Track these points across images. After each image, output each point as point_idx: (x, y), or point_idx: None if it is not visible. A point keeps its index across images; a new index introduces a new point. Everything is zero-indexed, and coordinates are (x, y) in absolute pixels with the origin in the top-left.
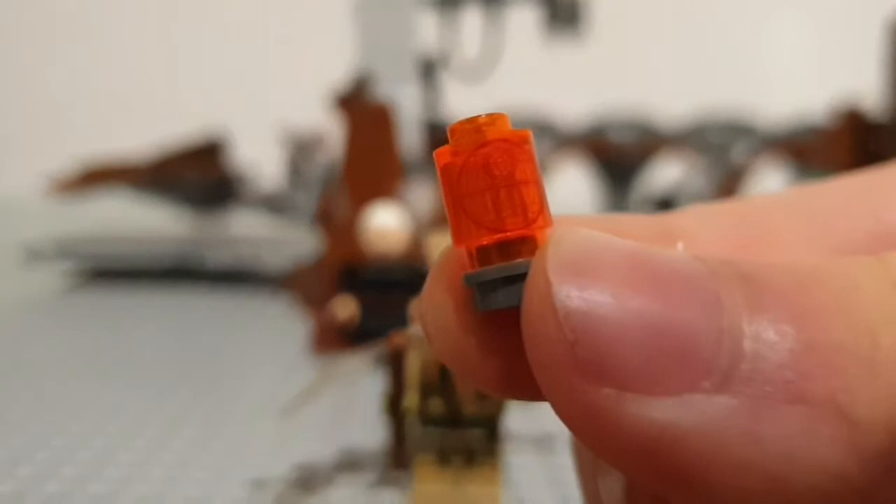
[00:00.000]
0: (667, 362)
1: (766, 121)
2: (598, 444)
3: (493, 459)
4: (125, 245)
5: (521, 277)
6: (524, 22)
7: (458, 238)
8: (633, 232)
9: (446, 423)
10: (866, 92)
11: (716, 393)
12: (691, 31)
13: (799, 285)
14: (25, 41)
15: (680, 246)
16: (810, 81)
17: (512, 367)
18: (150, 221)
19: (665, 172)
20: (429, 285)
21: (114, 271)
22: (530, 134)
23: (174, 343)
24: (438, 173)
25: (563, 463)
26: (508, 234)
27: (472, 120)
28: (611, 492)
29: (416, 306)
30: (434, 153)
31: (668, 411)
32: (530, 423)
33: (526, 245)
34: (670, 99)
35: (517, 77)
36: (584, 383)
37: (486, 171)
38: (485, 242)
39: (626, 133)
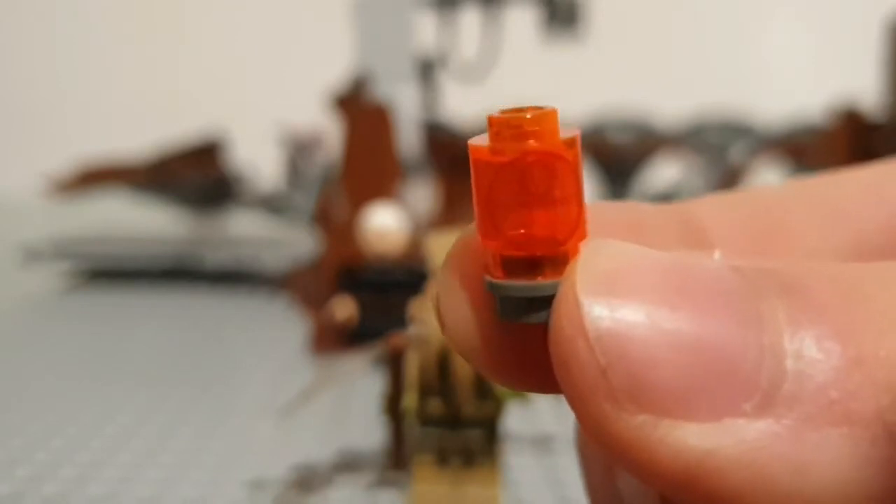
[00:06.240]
0: (704, 385)
1: (764, 121)
2: (635, 469)
3: (492, 460)
4: (124, 245)
5: (549, 299)
6: (522, 22)
7: (484, 234)
8: (656, 222)
9: (445, 423)
10: (864, 92)
11: (757, 417)
12: (689, 32)
13: (843, 297)
14: (25, 41)
15: (717, 254)
16: (808, 82)
17: (533, 368)
18: (149, 222)
19: (663, 172)
20: (447, 271)
21: (112, 272)
22: (578, 137)
23: (173, 343)
24: (471, 165)
25: (563, 463)
26: (541, 251)
27: (516, 117)
28: (630, 482)
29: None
30: (468, 143)
31: (708, 438)
32: (529, 423)
33: (555, 260)
34: (668, 99)
35: (515, 77)
36: (618, 410)
37: (523, 185)
38: (510, 253)
39: (624, 133)
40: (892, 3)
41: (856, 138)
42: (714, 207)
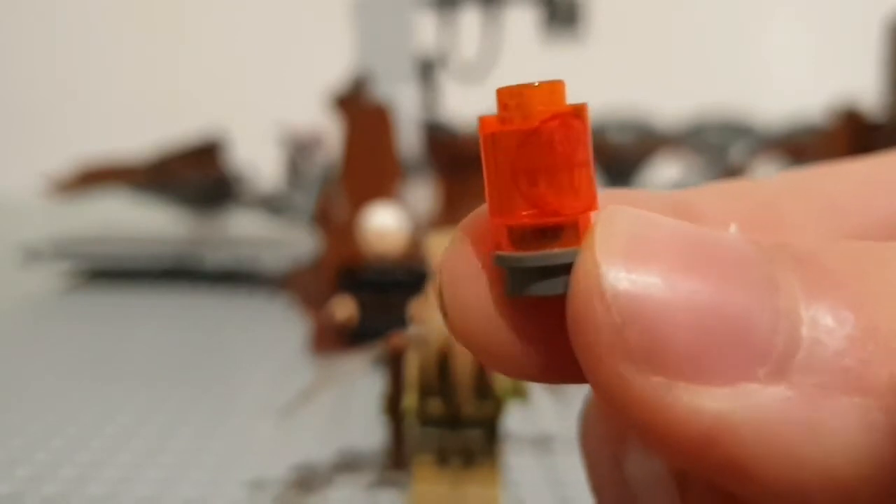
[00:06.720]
0: (720, 349)
1: (764, 121)
2: (646, 433)
3: (492, 460)
4: (124, 245)
5: (563, 268)
6: (523, 22)
7: (497, 211)
8: (651, 208)
9: (445, 423)
10: (864, 92)
11: (771, 383)
12: (689, 32)
13: (857, 269)
14: (25, 41)
15: (733, 228)
16: (808, 81)
17: (540, 351)
18: (149, 222)
19: (663, 172)
20: (452, 256)
21: (112, 271)
22: (587, 106)
23: (173, 343)
24: (483, 140)
25: (563, 463)
26: (560, 218)
27: (526, 87)
28: (641, 466)
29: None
30: (479, 118)
31: (721, 402)
32: (529, 423)
33: (568, 230)
34: (668, 99)
35: (515, 77)
36: (633, 370)
37: (549, 149)
38: (526, 223)
39: (624, 133)
40: (892, 3)
41: (856, 138)
42: (710, 197)
